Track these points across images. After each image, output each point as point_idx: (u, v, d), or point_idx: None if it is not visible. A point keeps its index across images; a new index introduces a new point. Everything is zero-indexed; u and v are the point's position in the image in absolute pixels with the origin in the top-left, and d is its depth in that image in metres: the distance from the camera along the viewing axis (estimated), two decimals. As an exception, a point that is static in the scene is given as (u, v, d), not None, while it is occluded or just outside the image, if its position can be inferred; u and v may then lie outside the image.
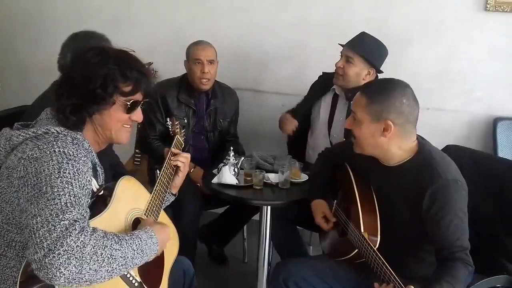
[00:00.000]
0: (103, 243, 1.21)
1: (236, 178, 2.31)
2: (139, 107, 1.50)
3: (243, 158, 2.45)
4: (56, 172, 1.23)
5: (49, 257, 1.13)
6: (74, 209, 1.20)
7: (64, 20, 3.50)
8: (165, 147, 2.63)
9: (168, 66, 3.23)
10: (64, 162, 1.26)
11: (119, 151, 2.37)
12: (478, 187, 1.96)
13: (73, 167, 1.26)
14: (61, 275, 1.13)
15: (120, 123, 1.46)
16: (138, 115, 1.50)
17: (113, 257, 1.22)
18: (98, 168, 1.47)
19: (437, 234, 1.65)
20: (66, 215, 1.18)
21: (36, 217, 1.18)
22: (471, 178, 1.80)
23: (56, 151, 1.27)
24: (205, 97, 2.81)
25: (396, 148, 1.75)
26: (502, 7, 2.81)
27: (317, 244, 2.62)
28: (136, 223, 1.47)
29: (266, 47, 3.24)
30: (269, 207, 2.30)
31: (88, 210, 1.27)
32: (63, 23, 3.44)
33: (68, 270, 1.13)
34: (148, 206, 1.55)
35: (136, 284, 1.40)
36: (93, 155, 1.43)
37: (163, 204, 1.67)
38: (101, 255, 1.19)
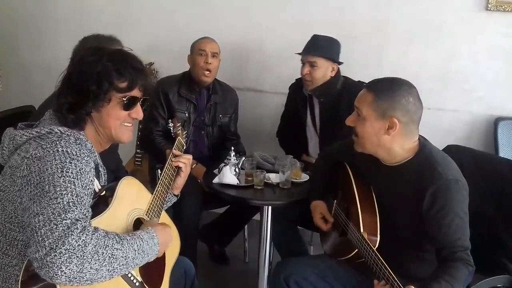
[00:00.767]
0: (104, 242, 1.21)
1: (237, 178, 2.32)
2: (138, 104, 1.50)
3: (244, 158, 2.46)
4: (59, 172, 1.24)
5: (50, 255, 1.13)
6: (76, 209, 1.21)
7: (65, 20, 3.51)
8: (167, 144, 2.67)
9: (169, 65, 3.26)
10: (67, 161, 1.26)
11: (120, 150, 2.37)
12: (479, 187, 1.97)
13: (76, 166, 1.27)
14: (62, 274, 1.13)
15: (119, 121, 1.46)
16: (137, 112, 1.50)
17: (114, 256, 1.23)
18: (100, 169, 1.48)
19: (438, 234, 1.65)
20: (68, 214, 1.18)
21: (38, 215, 1.18)
22: (472, 178, 1.80)
23: (60, 150, 1.28)
24: (206, 92, 2.85)
25: (398, 147, 1.75)
26: (503, 7, 2.81)
27: (318, 243, 2.63)
28: (137, 223, 1.48)
29: (266, 47, 3.24)
30: (270, 207, 2.31)
31: (90, 210, 1.27)
32: (64, 24, 3.45)
33: (69, 269, 1.14)
34: (150, 206, 1.55)
35: (137, 284, 1.41)
36: (96, 156, 1.43)
37: (165, 205, 1.67)
38: (102, 255, 1.20)
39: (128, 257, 1.27)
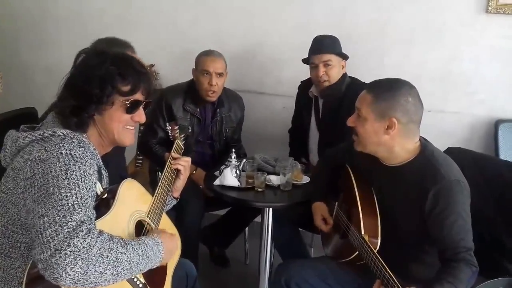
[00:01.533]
0: (109, 245, 1.22)
1: (238, 180, 2.32)
2: (140, 108, 1.50)
3: (245, 160, 2.46)
4: (63, 174, 1.24)
5: (55, 257, 1.13)
6: (81, 211, 1.21)
7: (67, 22, 3.51)
8: (164, 150, 2.67)
9: (170, 68, 3.27)
10: (71, 164, 1.27)
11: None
12: (480, 189, 1.97)
13: (79, 169, 1.27)
14: (67, 276, 1.13)
15: (121, 124, 1.47)
16: (140, 115, 1.51)
17: (119, 260, 1.23)
18: (103, 172, 1.48)
19: (441, 235, 1.65)
20: (74, 216, 1.19)
21: (43, 217, 1.18)
22: (473, 180, 1.80)
23: (63, 153, 1.28)
24: (211, 106, 2.78)
25: (398, 148, 1.75)
26: (503, 9, 2.81)
27: (319, 246, 2.62)
28: (139, 226, 1.48)
29: (268, 49, 3.25)
30: (270, 209, 2.31)
31: (94, 212, 1.27)
32: (66, 25, 3.45)
33: (74, 271, 1.14)
34: (150, 208, 1.56)
35: (140, 286, 1.41)
36: (98, 158, 1.44)
37: (165, 207, 1.68)
38: (106, 258, 1.20)
39: (133, 261, 1.27)
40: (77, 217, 1.19)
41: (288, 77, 3.17)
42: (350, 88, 2.59)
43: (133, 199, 1.50)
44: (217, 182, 2.32)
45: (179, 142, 1.95)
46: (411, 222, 1.74)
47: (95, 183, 1.33)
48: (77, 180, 1.25)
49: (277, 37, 3.21)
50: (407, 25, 2.99)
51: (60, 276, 1.13)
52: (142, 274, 1.43)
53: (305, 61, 2.66)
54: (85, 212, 1.22)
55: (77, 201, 1.22)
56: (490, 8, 2.83)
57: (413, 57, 3.01)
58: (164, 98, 2.69)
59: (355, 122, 1.80)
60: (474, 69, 2.95)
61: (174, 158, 1.81)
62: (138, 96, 1.47)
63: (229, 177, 2.30)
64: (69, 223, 1.17)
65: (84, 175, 1.28)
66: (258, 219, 2.61)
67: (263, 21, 3.23)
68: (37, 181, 1.25)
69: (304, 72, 2.64)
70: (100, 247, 1.19)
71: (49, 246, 1.14)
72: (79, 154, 1.30)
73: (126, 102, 1.44)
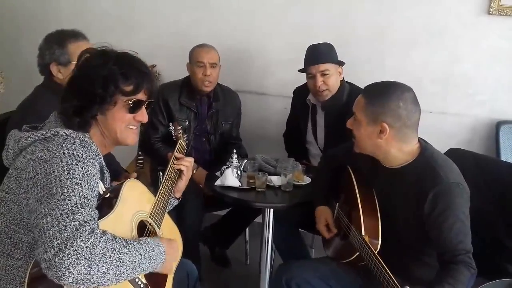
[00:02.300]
0: (112, 246, 1.22)
1: (239, 181, 2.32)
2: (143, 107, 1.51)
3: (246, 160, 2.46)
4: (66, 174, 1.25)
5: (58, 256, 1.14)
6: (84, 210, 1.21)
7: (69, 23, 3.47)
8: (167, 148, 2.68)
9: (171, 68, 3.27)
10: (74, 163, 1.27)
11: (122, 152, 2.37)
12: (481, 190, 1.97)
13: (82, 169, 1.28)
14: (70, 275, 1.14)
15: (124, 124, 1.47)
16: (142, 115, 1.52)
17: (121, 260, 1.23)
18: (105, 171, 1.49)
19: (439, 237, 1.65)
20: (77, 216, 1.19)
21: (46, 216, 1.19)
22: (474, 182, 1.80)
23: (65, 153, 1.28)
24: (207, 99, 2.83)
25: (395, 151, 1.76)
26: (505, 11, 2.82)
27: (319, 246, 2.63)
28: (141, 226, 1.48)
29: (269, 50, 3.25)
30: (271, 210, 2.31)
31: (97, 212, 1.28)
32: (67, 26, 3.43)
33: (77, 270, 1.14)
34: (153, 208, 1.56)
35: (142, 286, 1.41)
36: (101, 158, 1.44)
37: (167, 208, 1.68)
38: (109, 258, 1.20)
39: (135, 261, 1.28)
40: (80, 216, 1.19)
41: (289, 78, 3.17)
42: (351, 96, 2.54)
43: (136, 199, 1.50)
44: (218, 182, 2.32)
45: (182, 142, 1.95)
46: (411, 224, 1.74)
47: (97, 182, 1.34)
48: (79, 179, 1.25)
49: (277, 38, 3.21)
50: (408, 27, 2.99)
51: (63, 276, 1.14)
52: (144, 274, 1.43)
53: (302, 70, 2.63)
54: (88, 211, 1.22)
55: (80, 200, 1.22)
56: (492, 10, 2.83)
57: (415, 59, 3.01)
58: (161, 94, 2.74)
59: (352, 124, 1.82)
60: (476, 71, 2.95)
61: (177, 158, 1.81)
62: (141, 96, 1.48)
63: (230, 177, 2.30)
64: (73, 222, 1.18)
65: (87, 174, 1.28)
66: (259, 219, 2.62)
67: (263, 23, 3.23)
68: (39, 181, 1.25)
69: (305, 74, 2.64)
70: (103, 247, 1.19)
71: (53, 245, 1.15)
72: (82, 154, 1.30)
73: (129, 102, 1.45)
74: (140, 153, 3.08)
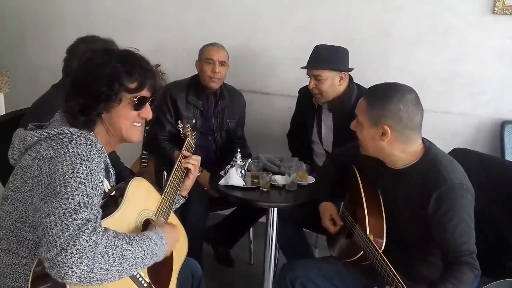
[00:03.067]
0: (114, 243, 1.22)
1: (243, 180, 2.32)
2: (147, 104, 1.51)
3: (250, 160, 2.47)
4: (70, 172, 1.25)
5: (61, 255, 1.14)
6: (87, 209, 1.22)
7: (74, 22, 3.54)
8: (173, 148, 2.68)
9: (176, 68, 3.28)
10: (78, 162, 1.28)
11: (126, 152, 2.38)
12: (486, 190, 1.96)
13: (86, 167, 1.28)
14: (73, 274, 1.14)
15: (129, 121, 1.48)
16: (147, 111, 1.52)
17: (124, 257, 1.24)
18: (110, 169, 1.50)
19: (443, 238, 1.65)
20: (79, 214, 1.20)
21: (49, 216, 1.19)
22: (478, 182, 1.80)
23: (70, 151, 1.29)
24: (213, 97, 2.85)
25: (398, 152, 1.75)
26: (510, 10, 2.80)
27: (323, 246, 2.63)
28: (147, 224, 1.48)
29: (273, 49, 3.25)
30: (275, 209, 2.31)
31: (100, 211, 1.28)
32: (72, 26, 3.48)
33: (80, 269, 1.15)
34: (159, 207, 1.56)
35: (145, 285, 1.42)
36: (105, 156, 1.45)
37: (173, 206, 1.68)
38: (112, 255, 1.20)
39: (138, 257, 1.28)
40: (83, 215, 1.20)
41: (293, 77, 3.17)
42: (359, 98, 2.55)
43: (141, 197, 1.51)
44: (222, 181, 2.32)
45: (190, 141, 1.95)
46: (415, 224, 1.74)
47: (102, 181, 1.34)
48: (83, 178, 1.26)
49: (282, 37, 3.21)
50: (413, 26, 2.98)
51: (67, 275, 1.14)
52: (148, 273, 1.44)
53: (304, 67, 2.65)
54: (91, 210, 1.23)
55: (83, 199, 1.23)
56: (496, 9, 2.82)
57: (419, 59, 3.01)
58: (169, 92, 2.77)
59: (355, 126, 1.82)
60: (480, 70, 2.94)
61: (185, 157, 1.81)
62: (145, 92, 1.48)
63: (234, 177, 2.30)
64: (75, 221, 1.18)
65: (91, 173, 1.29)
66: (263, 219, 2.62)
67: (268, 22, 3.23)
68: (44, 179, 1.26)
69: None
70: (105, 244, 1.20)
71: (55, 244, 1.15)
72: (86, 153, 1.31)
73: (134, 99, 1.46)
74: (144, 152, 3.09)
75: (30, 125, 1.44)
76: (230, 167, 2.35)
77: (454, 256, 1.62)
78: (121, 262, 1.23)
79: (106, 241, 1.20)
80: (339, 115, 2.59)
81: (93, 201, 1.25)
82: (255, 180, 2.33)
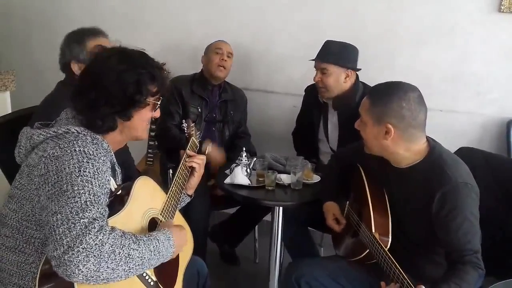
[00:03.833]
0: (121, 242, 1.23)
1: (249, 179, 2.32)
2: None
3: (255, 158, 2.47)
4: (77, 171, 1.26)
5: (68, 254, 1.15)
6: (93, 208, 1.22)
7: (79, 21, 3.49)
8: (183, 135, 2.68)
9: (180, 66, 3.26)
10: (85, 161, 1.28)
11: (132, 150, 2.38)
12: (491, 189, 1.95)
13: (93, 166, 1.29)
14: (80, 272, 1.15)
15: (146, 122, 1.52)
16: (158, 111, 1.57)
17: (131, 256, 1.24)
18: (116, 168, 1.50)
19: (447, 237, 1.65)
20: (86, 213, 1.20)
21: (56, 214, 1.20)
22: (484, 181, 1.80)
23: (77, 150, 1.29)
24: (217, 89, 2.92)
25: (403, 151, 1.75)
26: (516, 9, 2.79)
27: (328, 245, 2.63)
28: (152, 223, 1.49)
29: (277, 48, 3.25)
30: (281, 208, 2.31)
31: (107, 209, 1.29)
32: (78, 25, 3.44)
33: (86, 268, 1.15)
34: (164, 206, 1.57)
35: (151, 283, 1.42)
36: (112, 155, 1.45)
37: (179, 205, 1.69)
38: (118, 254, 1.21)
39: (144, 257, 1.29)
40: (89, 214, 1.20)
41: (298, 76, 3.17)
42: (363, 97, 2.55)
43: (147, 196, 1.51)
44: (227, 180, 2.33)
45: (194, 140, 1.96)
46: (420, 223, 1.74)
47: (108, 180, 1.35)
48: (90, 177, 1.26)
49: (287, 36, 3.21)
50: (418, 25, 2.97)
51: (73, 273, 1.15)
52: (154, 272, 1.44)
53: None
54: (98, 209, 1.23)
55: (90, 198, 1.23)
56: (503, 8, 2.79)
57: (424, 57, 2.99)
58: (174, 84, 2.80)
59: (359, 126, 1.82)
60: (486, 69, 2.92)
61: (189, 156, 1.82)
62: (160, 94, 1.52)
63: (240, 175, 2.30)
64: (82, 220, 1.19)
65: (97, 172, 1.29)
66: (268, 217, 2.62)
67: (272, 21, 3.22)
68: (51, 177, 1.27)
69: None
70: (112, 244, 1.20)
71: (62, 243, 1.16)
72: (93, 151, 1.32)
73: (156, 102, 1.51)
74: (150, 150, 3.10)
75: (37, 124, 1.44)
76: (236, 166, 2.36)
77: (458, 256, 1.62)
78: (127, 262, 1.23)
79: (113, 240, 1.21)
80: (344, 113, 2.59)
81: (99, 200, 1.26)
82: (260, 179, 2.33)
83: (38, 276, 1.25)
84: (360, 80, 2.64)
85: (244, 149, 2.46)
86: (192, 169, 1.81)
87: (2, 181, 2.01)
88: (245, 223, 2.96)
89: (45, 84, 2.48)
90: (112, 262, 1.19)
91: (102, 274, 1.18)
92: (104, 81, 1.41)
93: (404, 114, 1.69)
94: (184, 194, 1.80)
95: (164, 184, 1.71)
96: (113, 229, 1.24)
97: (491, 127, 2.97)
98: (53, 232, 1.18)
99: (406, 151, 1.75)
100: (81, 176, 1.25)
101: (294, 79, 3.20)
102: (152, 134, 3.08)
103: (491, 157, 2.19)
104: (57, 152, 1.29)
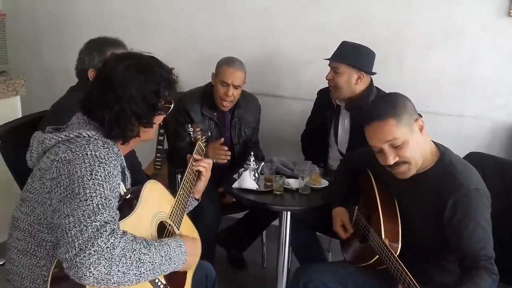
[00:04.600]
0: (132, 246, 1.23)
1: (257, 183, 2.32)
2: None
3: (263, 163, 2.47)
4: (88, 174, 1.27)
5: (80, 256, 1.15)
6: (105, 211, 1.23)
7: (87, 25, 3.56)
8: (189, 151, 2.67)
9: (188, 70, 3.29)
10: (96, 165, 1.29)
11: (140, 155, 2.40)
12: (501, 194, 1.94)
13: (104, 170, 1.30)
14: (91, 275, 1.16)
15: (157, 125, 1.56)
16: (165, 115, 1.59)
17: (141, 261, 1.25)
18: (126, 172, 1.52)
19: (460, 244, 1.64)
20: (98, 216, 1.21)
21: (68, 217, 1.21)
22: (494, 185, 1.78)
23: (88, 154, 1.30)
24: (228, 110, 2.79)
25: (426, 146, 1.74)
26: (526, 13, 2.77)
27: (336, 250, 2.61)
28: (161, 227, 1.50)
29: (286, 51, 3.25)
30: (289, 213, 2.31)
31: (118, 213, 1.29)
32: (86, 29, 3.50)
33: (97, 270, 1.16)
34: (172, 210, 1.58)
35: (161, 287, 1.42)
36: (122, 159, 1.46)
37: (186, 209, 1.69)
38: (129, 258, 1.22)
39: (155, 262, 1.29)
40: (101, 217, 1.21)
41: (306, 80, 3.17)
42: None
43: (156, 200, 1.52)
44: (235, 185, 2.33)
45: (200, 144, 1.97)
46: (431, 230, 1.73)
47: (119, 183, 1.36)
48: (101, 180, 1.27)
49: (295, 40, 3.21)
50: (427, 28, 2.96)
51: (84, 276, 1.16)
52: (163, 275, 1.45)
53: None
54: (109, 212, 1.24)
55: (102, 201, 1.24)
56: (512, 12, 2.79)
57: (433, 61, 2.99)
58: (182, 104, 2.72)
59: (404, 153, 1.69)
60: (495, 73, 2.91)
61: (196, 160, 1.83)
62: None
63: (248, 180, 2.30)
64: (94, 223, 1.19)
65: (109, 176, 1.30)
66: (276, 222, 2.62)
67: (280, 24, 3.23)
68: (63, 181, 1.28)
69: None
70: (123, 247, 1.21)
71: (74, 245, 1.17)
72: (104, 155, 1.32)
73: (169, 106, 1.54)
74: (158, 155, 3.11)
75: (48, 128, 1.46)
76: (244, 170, 2.36)
77: (472, 262, 1.61)
78: (138, 266, 1.24)
79: (124, 243, 1.21)
80: (357, 116, 2.58)
81: (111, 203, 1.27)
82: (268, 184, 2.33)
83: (49, 279, 1.26)
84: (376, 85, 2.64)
85: (252, 153, 2.46)
86: (199, 173, 1.82)
87: (13, 185, 2.03)
88: (253, 228, 2.95)
89: (55, 88, 2.51)
90: (123, 266, 1.20)
91: (113, 278, 1.19)
92: (127, 92, 1.43)
93: (412, 107, 1.73)
94: (191, 198, 1.81)
95: (172, 188, 1.71)
96: (124, 233, 1.25)
97: (500, 132, 2.95)
98: (65, 235, 1.19)
99: (428, 146, 1.74)
100: (93, 179, 1.26)
101: (303, 83, 3.21)
102: (161, 138, 3.10)
103: (500, 161, 2.18)
104: (68, 156, 1.30)
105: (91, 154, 1.31)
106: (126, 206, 1.39)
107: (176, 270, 1.41)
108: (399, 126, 1.67)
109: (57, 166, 1.30)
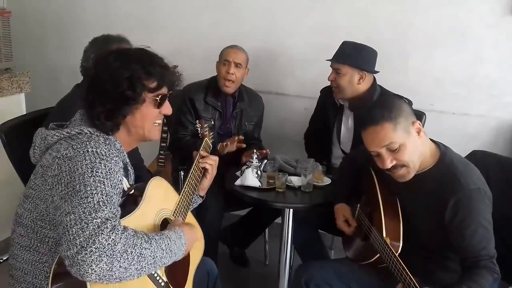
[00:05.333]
0: (133, 241, 1.24)
1: (259, 181, 2.32)
2: (166, 100, 1.53)
3: (266, 160, 2.47)
4: (89, 171, 1.27)
5: (81, 254, 1.16)
6: (106, 208, 1.23)
7: (93, 24, 3.58)
8: (195, 142, 2.68)
9: (192, 68, 3.27)
10: (97, 161, 1.29)
11: (143, 152, 2.40)
12: (505, 193, 1.93)
13: (105, 166, 1.30)
14: (93, 272, 1.16)
15: (151, 120, 1.50)
16: (167, 108, 1.54)
17: (143, 255, 1.25)
18: (129, 168, 1.51)
19: (462, 244, 1.64)
20: (99, 213, 1.21)
21: (69, 214, 1.21)
22: (497, 184, 1.78)
23: (89, 151, 1.31)
24: (232, 99, 2.85)
25: (425, 149, 1.73)
26: (530, 11, 2.76)
27: (338, 248, 2.62)
28: (165, 223, 1.50)
29: (290, 50, 3.25)
30: (291, 210, 2.31)
31: (119, 209, 1.30)
32: (92, 27, 3.51)
33: (99, 267, 1.16)
34: (177, 207, 1.58)
35: (162, 284, 1.43)
36: (124, 155, 1.46)
37: (191, 206, 1.70)
38: (131, 254, 1.22)
39: (156, 256, 1.30)
40: (102, 214, 1.22)
41: (310, 78, 3.17)
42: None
43: (160, 197, 1.52)
44: (238, 182, 2.33)
45: (207, 141, 1.96)
46: (432, 230, 1.73)
47: (120, 180, 1.36)
48: (102, 177, 1.28)
49: (298, 38, 3.21)
50: (431, 27, 2.96)
51: (86, 273, 1.16)
52: (165, 272, 1.45)
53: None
54: (110, 209, 1.25)
55: (103, 198, 1.24)
56: (516, 10, 2.78)
57: (437, 60, 2.98)
58: (187, 93, 2.78)
59: (403, 156, 1.68)
60: (499, 72, 2.90)
61: (202, 157, 1.82)
62: (164, 90, 1.50)
63: (250, 177, 2.30)
64: (95, 220, 1.20)
65: (110, 172, 1.30)
66: (278, 219, 2.62)
67: (284, 23, 3.23)
68: (64, 178, 1.28)
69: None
70: (124, 243, 1.21)
71: (75, 243, 1.17)
72: (105, 152, 1.33)
73: (156, 98, 1.48)
74: (161, 152, 3.12)
75: (51, 125, 1.46)
76: (246, 168, 2.36)
77: (473, 261, 1.61)
78: (140, 261, 1.24)
79: (125, 239, 1.22)
80: (360, 115, 2.57)
81: (112, 200, 1.27)
82: (271, 181, 2.33)
83: (51, 275, 1.26)
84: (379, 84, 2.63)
85: (255, 151, 2.47)
86: (204, 170, 1.81)
87: (17, 182, 2.05)
88: (256, 225, 2.96)
89: (59, 85, 2.52)
90: (124, 262, 1.20)
91: (115, 274, 1.19)
92: (99, 80, 1.43)
93: (408, 110, 1.72)
94: (196, 195, 1.80)
95: (175, 185, 1.71)
96: (125, 228, 1.25)
97: (505, 130, 2.94)
98: (67, 232, 1.19)
99: (426, 149, 1.73)
100: (94, 176, 1.26)
101: (306, 81, 3.21)
102: (164, 136, 3.11)
103: (504, 160, 2.17)
104: (70, 153, 1.31)
105: (92, 151, 1.31)
106: (130, 202, 1.40)
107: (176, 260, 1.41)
108: (396, 130, 1.66)
109: (59, 163, 1.31)
